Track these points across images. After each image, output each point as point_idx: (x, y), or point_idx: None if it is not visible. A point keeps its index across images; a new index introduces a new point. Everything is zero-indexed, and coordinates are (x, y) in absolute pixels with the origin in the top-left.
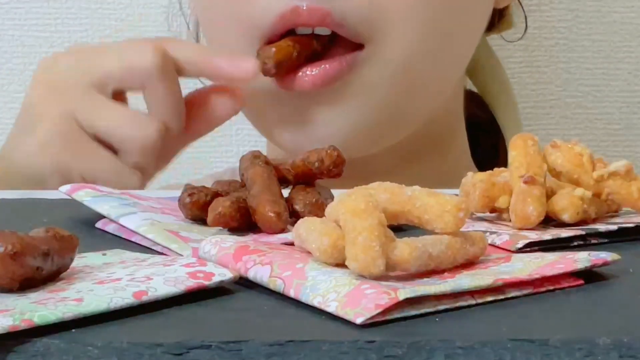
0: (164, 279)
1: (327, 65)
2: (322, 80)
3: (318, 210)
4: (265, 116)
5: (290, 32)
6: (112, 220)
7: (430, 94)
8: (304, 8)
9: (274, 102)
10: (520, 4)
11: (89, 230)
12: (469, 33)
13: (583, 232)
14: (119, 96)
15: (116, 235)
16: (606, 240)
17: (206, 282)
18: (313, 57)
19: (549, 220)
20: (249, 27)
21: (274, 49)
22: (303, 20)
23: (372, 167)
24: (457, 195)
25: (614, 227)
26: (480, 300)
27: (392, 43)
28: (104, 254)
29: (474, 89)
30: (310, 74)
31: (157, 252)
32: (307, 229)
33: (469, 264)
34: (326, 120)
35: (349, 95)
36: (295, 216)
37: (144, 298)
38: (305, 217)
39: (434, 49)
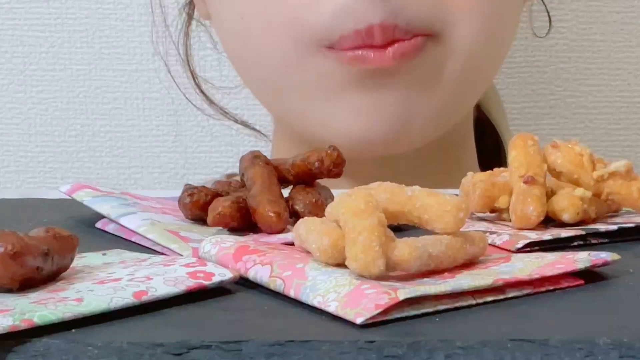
0: (164, 279)
1: (403, 42)
2: (402, 53)
3: (318, 210)
4: (334, 100)
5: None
6: (112, 220)
7: (485, 80)
8: (377, 27)
9: (348, 82)
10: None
11: (89, 230)
12: (515, 23)
13: (583, 232)
14: None
15: (116, 235)
16: (606, 240)
17: (206, 282)
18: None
19: (549, 220)
20: (310, 35)
21: None
22: (376, 42)
23: (382, 174)
24: (457, 195)
25: (614, 227)
26: (480, 300)
27: (457, 37)
28: (104, 254)
29: None
30: (390, 50)
31: (157, 252)
32: (307, 229)
33: (469, 264)
34: (402, 100)
35: (424, 75)
36: (295, 216)
37: (144, 298)
38: (305, 217)
39: (492, 38)
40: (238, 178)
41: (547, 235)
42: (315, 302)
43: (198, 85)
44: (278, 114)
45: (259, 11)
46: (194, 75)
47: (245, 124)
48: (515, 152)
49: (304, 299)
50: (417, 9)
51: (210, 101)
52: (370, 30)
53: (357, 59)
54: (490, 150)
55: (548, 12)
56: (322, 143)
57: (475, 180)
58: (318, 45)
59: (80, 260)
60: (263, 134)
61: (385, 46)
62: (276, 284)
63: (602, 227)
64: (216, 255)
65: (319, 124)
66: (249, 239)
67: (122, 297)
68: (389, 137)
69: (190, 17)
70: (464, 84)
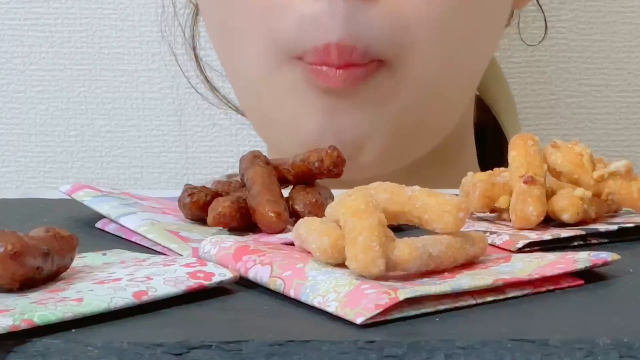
0: (164, 279)
1: (356, 68)
2: (353, 78)
3: (318, 210)
4: (289, 110)
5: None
6: (112, 220)
7: (451, 106)
8: (334, 46)
9: (309, 95)
10: (539, 4)
11: (89, 230)
12: (488, 45)
13: (583, 232)
14: None
15: (116, 235)
16: (606, 240)
17: (206, 282)
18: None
19: (549, 220)
20: (280, 46)
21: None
22: (332, 60)
23: (380, 175)
24: (457, 195)
25: (614, 227)
26: (480, 300)
27: (412, 65)
28: (104, 254)
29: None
30: (341, 72)
31: (157, 252)
32: (307, 229)
33: (469, 264)
34: (352, 121)
35: (374, 99)
36: (295, 216)
37: (144, 298)
38: (305, 217)
39: (456, 67)
40: (238, 178)
41: (547, 235)
42: (315, 302)
43: (202, 71)
44: (256, 123)
45: (239, 19)
46: (198, 61)
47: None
48: (515, 152)
49: (304, 299)
50: (379, 33)
51: (213, 87)
52: (327, 48)
53: (314, 72)
54: (494, 153)
55: (545, 21)
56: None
57: (475, 180)
58: (288, 55)
59: (80, 260)
60: None
61: (340, 67)
62: (276, 284)
63: (602, 227)
64: (216, 255)
65: (290, 136)
66: (249, 239)
67: (122, 297)
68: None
69: (197, 7)
70: (421, 112)
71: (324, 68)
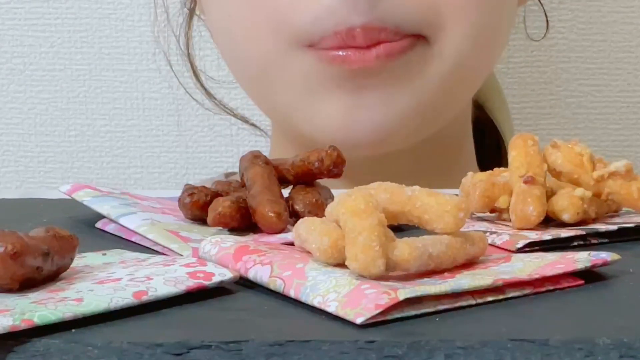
0: (164, 279)
1: (389, 43)
2: (387, 53)
3: (318, 210)
4: (315, 98)
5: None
6: (112, 220)
7: (473, 85)
8: (359, 30)
9: (328, 82)
10: (540, 2)
11: (89, 230)
12: (507, 26)
13: (583, 232)
14: None
15: (116, 235)
16: (606, 240)
17: (206, 282)
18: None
19: (549, 220)
20: (292, 34)
21: None
22: (358, 43)
23: (380, 173)
24: (457, 195)
25: (614, 227)
26: (480, 300)
27: (446, 41)
28: (104, 254)
29: None
30: (374, 50)
31: (157, 252)
32: (307, 229)
33: (469, 264)
34: (383, 100)
35: (406, 76)
36: (295, 216)
37: (144, 298)
38: (305, 217)
39: (482, 44)
40: (237, 177)
41: (547, 235)
42: (315, 302)
43: (197, 78)
44: (267, 110)
45: (245, 11)
46: (193, 68)
47: (244, 119)
48: (515, 152)
49: (304, 299)
50: (407, 13)
51: (209, 94)
52: (351, 31)
53: (336, 59)
54: (491, 151)
55: (546, 16)
56: (310, 141)
57: (475, 180)
58: (298, 44)
59: (80, 260)
60: (262, 129)
61: (368, 47)
62: (276, 284)
63: (602, 227)
64: (216, 255)
65: (304, 122)
66: (249, 239)
67: (122, 297)
68: (372, 137)
69: (191, 12)
70: (449, 87)
71: (348, 52)
